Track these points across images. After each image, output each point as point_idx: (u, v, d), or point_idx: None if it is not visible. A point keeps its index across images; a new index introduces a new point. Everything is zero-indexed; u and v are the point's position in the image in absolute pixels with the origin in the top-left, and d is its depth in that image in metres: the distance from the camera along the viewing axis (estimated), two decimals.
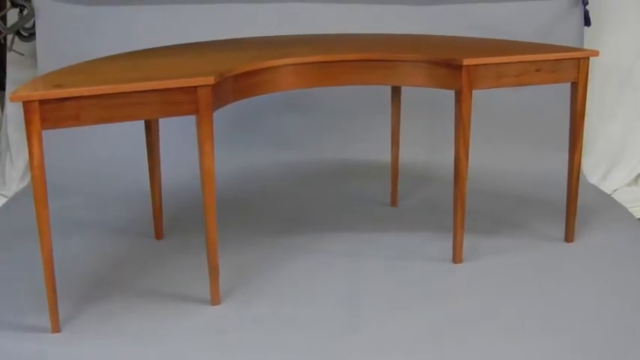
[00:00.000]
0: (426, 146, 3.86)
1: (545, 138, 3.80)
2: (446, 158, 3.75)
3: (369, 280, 2.57)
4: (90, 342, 2.17)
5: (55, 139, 2.77)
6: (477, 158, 3.15)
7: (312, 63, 2.51)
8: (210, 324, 2.28)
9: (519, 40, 3.26)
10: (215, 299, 2.39)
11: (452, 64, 2.51)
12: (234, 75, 2.33)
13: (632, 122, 3.79)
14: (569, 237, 2.87)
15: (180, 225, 3.07)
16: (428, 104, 3.78)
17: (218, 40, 2.97)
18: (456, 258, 2.70)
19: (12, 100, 2.00)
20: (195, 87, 2.18)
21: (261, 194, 3.47)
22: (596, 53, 2.70)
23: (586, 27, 3.68)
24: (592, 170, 3.72)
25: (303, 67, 2.50)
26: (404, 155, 3.37)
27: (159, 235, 2.94)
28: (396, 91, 3.12)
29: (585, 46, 3.69)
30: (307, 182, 3.61)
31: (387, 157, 3.60)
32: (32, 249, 2.65)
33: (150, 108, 2.16)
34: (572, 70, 2.67)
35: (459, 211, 2.64)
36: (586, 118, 3.75)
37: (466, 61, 2.49)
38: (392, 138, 3.18)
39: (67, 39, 3.69)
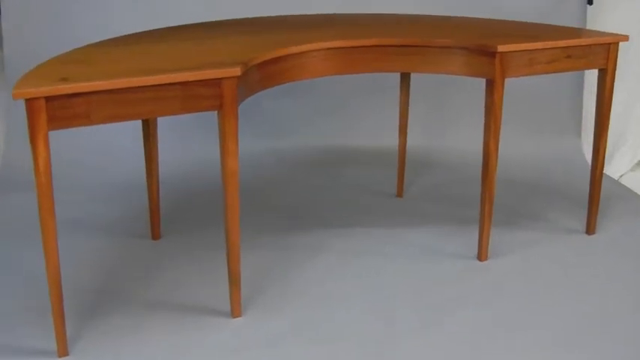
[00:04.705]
0: (426, 132, 3.68)
1: (556, 124, 3.67)
2: (448, 144, 3.61)
3: (394, 284, 2.38)
4: None
5: None
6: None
7: (344, 48, 2.28)
8: (235, 340, 2.06)
9: (521, 19, 3.13)
10: (236, 311, 2.17)
11: (485, 51, 2.32)
12: (258, 63, 2.08)
13: (632, 104, 3.69)
14: (590, 229, 2.75)
15: (177, 223, 2.82)
16: (430, 88, 3.60)
17: (229, 20, 2.71)
18: (482, 255, 2.54)
19: (16, 97, 1.71)
20: (220, 79, 1.93)
21: (260, 186, 3.23)
22: (625, 38, 2.55)
23: (588, 5, 3.55)
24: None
25: (333, 53, 2.26)
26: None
27: (156, 234, 2.69)
28: (404, 78, 2.92)
29: (587, 26, 3.57)
30: (306, 172, 3.39)
31: (385, 142, 3.43)
32: (17, 249, 2.38)
33: (169, 104, 1.89)
34: (602, 56, 2.52)
35: (486, 207, 2.47)
36: (588, 101, 3.66)
37: (500, 48, 2.30)
38: (400, 128, 3.00)
39: (34, 18, 3.37)
